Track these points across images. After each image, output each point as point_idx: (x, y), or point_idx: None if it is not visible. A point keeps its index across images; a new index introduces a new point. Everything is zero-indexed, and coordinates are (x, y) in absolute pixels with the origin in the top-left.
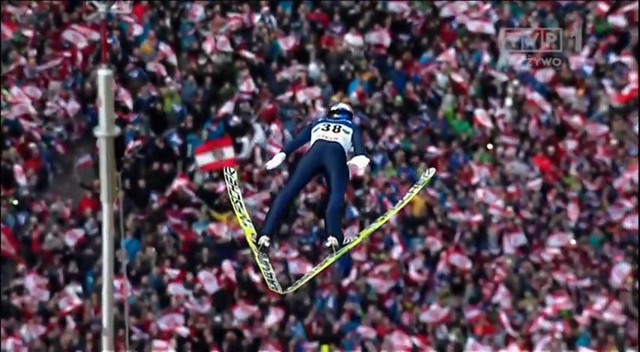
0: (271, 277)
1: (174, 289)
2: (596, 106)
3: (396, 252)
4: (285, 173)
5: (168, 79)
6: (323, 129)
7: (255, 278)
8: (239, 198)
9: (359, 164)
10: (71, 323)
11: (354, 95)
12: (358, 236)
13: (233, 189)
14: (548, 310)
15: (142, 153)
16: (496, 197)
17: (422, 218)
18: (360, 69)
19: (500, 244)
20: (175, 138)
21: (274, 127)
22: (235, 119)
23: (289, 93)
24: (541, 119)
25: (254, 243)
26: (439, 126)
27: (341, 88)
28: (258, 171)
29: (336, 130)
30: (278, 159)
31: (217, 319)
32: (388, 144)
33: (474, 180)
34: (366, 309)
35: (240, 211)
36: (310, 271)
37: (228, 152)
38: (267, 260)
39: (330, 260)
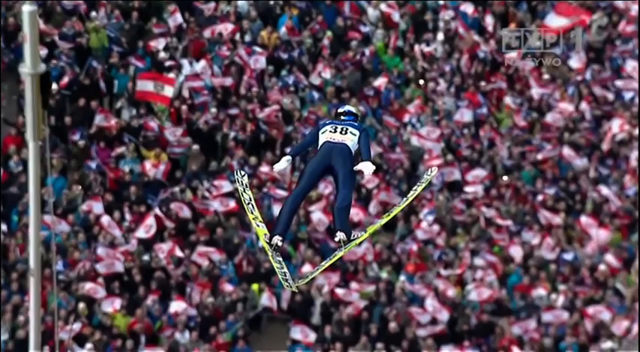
0: (285, 276)
1: (106, 220)
2: (528, 41)
3: (328, 188)
4: (213, 109)
5: (93, 14)
6: (330, 132)
7: (185, 213)
8: (251, 200)
9: (365, 170)
10: None
11: (283, 30)
12: (365, 231)
13: (245, 192)
14: (480, 247)
15: (67, 90)
16: (427, 133)
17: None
18: (289, 3)
19: (431, 181)
20: (96, 64)
21: (202, 63)
22: (162, 55)
23: (217, 28)
24: (473, 54)
25: (267, 243)
26: (370, 61)
27: (270, 23)
28: (185, 108)
29: (344, 132)
30: (284, 162)
31: (145, 258)
32: (318, 80)
33: (406, 115)
34: (296, 247)
35: (252, 212)
36: (320, 265)
37: (168, 90)
38: (281, 259)
39: (339, 254)
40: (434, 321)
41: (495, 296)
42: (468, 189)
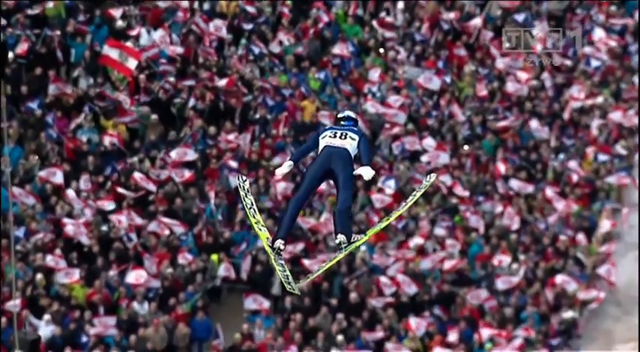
0: (288, 278)
1: (70, 193)
2: (489, 9)
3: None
4: (172, 78)
5: None
6: (330, 136)
7: (150, 187)
8: (252, 204)
9: (364, 175)
10: None
11: None
12: (365, 234)
13: (246, 196)
14: (441, 217)
15: (24, 58)
16: (394, 101)
17: (313, 124)
18: None
19: (391, 150)
20: (52, 33)
21: (160, 32)
22: (120, 23)
23: None
24: (434, 23)
25: (270, 246)
26: (330, 29)
27: None
28: (143, 77)
29: (343, 137)
30: (286, 166)
31: (104, 228)
32: (278, 48)
33: (366, 85)
34: None
35: (254, 217)
36: (321, 266)
37: (132, 63)
38: (283, 262)
39: (340, 256)
40: (397, 292)
41: (457, 266)
42: (423, 158)
